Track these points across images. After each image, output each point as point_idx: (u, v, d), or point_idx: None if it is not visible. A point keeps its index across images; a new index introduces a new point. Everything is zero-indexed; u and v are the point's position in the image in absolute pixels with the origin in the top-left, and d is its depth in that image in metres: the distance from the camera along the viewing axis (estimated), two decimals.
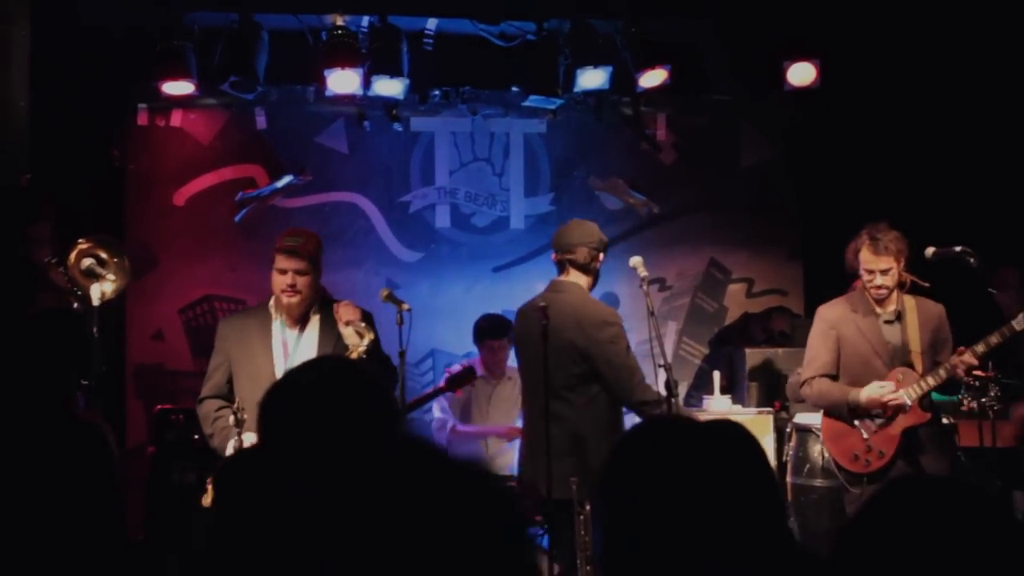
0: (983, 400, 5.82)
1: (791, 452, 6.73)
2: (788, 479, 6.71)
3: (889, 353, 5.91)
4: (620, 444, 2.15)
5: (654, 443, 2.12)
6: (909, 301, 5.94)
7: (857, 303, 6.01)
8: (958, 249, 5.75)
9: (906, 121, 8.26)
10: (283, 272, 5.53)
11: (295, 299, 5.53)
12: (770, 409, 7.28)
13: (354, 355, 5.28)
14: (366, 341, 5.33)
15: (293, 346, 5.56)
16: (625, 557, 2.04)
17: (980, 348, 5.69)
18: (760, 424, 7.05)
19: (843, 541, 1.94)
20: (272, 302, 5.65)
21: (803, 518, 6.55)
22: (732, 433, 2.18)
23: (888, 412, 5.82)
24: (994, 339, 5.68)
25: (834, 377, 6.01)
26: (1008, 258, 7.20)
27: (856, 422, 5.91)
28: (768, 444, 7.03)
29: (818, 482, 6.52)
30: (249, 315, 5.80)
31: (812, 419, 6.68)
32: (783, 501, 2.18)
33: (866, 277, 5.89)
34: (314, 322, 5.61)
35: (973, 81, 7.94)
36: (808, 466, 6.56)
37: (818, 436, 6.52)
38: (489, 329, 7.70)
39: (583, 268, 5.98)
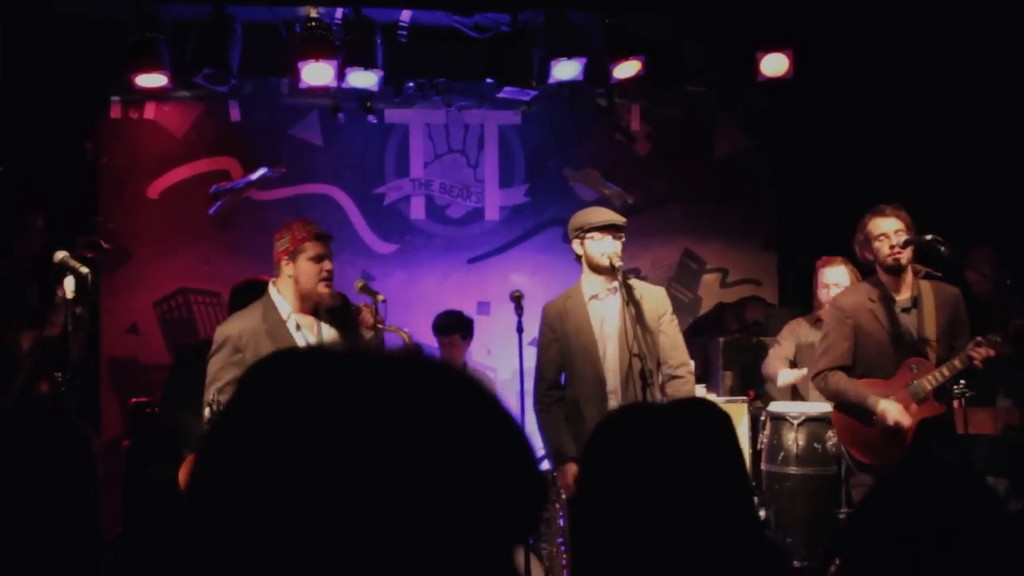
0: (955, 387, 5.82)
1: (765, 440, 6.77)
2: (763, 467, 6.75)
3: (905, 343, 5.83)
4: (595, 430, 2.18)
5: (624, 427, 2.15)
6: (925, 286, 5.87)
7: (874, 291, 5.90)
8: (928, 237, 5.74)
9: (880, 110, 8.31)
10: (320, 259, 5.24)
11: (331, 288, 5.30)
12: (744, 397, 7.31)
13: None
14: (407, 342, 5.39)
15: None
16: (592, 537, 2.08)
17: (998, 337, 5.63)
18: (734, 412, 7.08)
19: (849, 530, 1.97)
20: (281, 308, 5.28)
21: (777, 506, 6.59)
22: (701, 412, 2.22)
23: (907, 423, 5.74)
24: (1013, 328, 5.64)
25: (848, 368, 5.89)
26: (981, 239, 7.27)
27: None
28: (743, 432, 7.07)
29: (792, 470, 6.56)
30: (256, 319, 5.28)
31: (786, 407, 6.72)
32: (749, 481, 2.22)
33: (881, 243, 5.76)
34: (325, 322, 5.37)
35: (946, 69, 7.98)
36: (782, 454, 6.60)
37: (792, 424, 6.56)
38: (438, 324, 7.64)
39: (577, 260, 6.03)
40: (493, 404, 1.04)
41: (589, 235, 5.89)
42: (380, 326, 5.46)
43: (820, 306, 7.03)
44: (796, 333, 7.21)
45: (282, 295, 5.31)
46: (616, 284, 5.88)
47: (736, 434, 2.20)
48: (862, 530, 1.93)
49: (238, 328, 5.23)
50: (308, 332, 5.29)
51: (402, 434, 0.96)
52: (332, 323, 5.38)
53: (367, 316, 5.43)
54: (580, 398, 5.86)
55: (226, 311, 6.89)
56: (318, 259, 5.25)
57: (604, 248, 5.86)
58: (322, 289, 5.27)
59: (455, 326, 7.61)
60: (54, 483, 2.06)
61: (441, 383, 1.03)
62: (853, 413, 5.87)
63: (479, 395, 1.04)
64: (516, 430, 1.03)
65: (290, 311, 5.29)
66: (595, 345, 5.92)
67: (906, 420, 5.71)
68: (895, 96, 8.22)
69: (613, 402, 5.86)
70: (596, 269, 5.93)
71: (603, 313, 5.95)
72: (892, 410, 5.71)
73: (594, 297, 5.95)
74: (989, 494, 1.92)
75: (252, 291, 6.84)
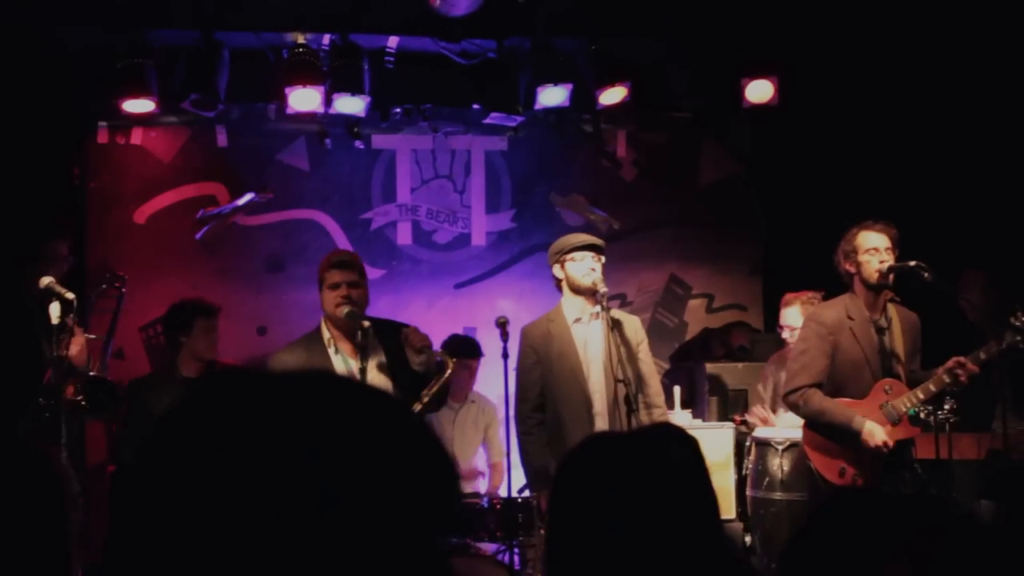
0: (939, 413, 5.82)
1: (750, 466, 6.78)
2: (748, 493, 6.76)
3: (879, 362, 5.82)
4: (562, 461, 2.21)
5: (589, 457, 2.17)
6: (891, 309, 5.90)
7: (852, 308, 5.88)
8: (912, 264, 5.76)
9: (865, 136, 8.35)
10: (336, 286, 5.46)
11: (349, 307, 5.41)
12: (730, 423, 7.32)
13: (436, 387, 5.25)
14: (450, 371, 5.28)
15: (359, 375, 5.36)
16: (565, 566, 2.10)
17: (983, 355, 5.62)
18: (720, 438, 7.09)
19: (786, 557, 1.98)
20: (325, 332, 5.54)
21: (762, 531, 6.60)
22: (669, 437, 2.24)
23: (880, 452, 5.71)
24: (983, 354, 5.63)
25: (821, 386, 5.84)
26: (970, 263, 7.31)
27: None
28: (728, 458, 7.07)
29: (777, 495, 6.57)
30: (302, 347, 5.59)
31: (771, 433, 6.73)
32: (716, 502, 2.24)
33: (870, 257, 5.78)
34: (376, 349, 5.45)
35: (931, 94, 8.04)
36: (767, 479, 6.61)
37: (777, 450, 6.57)
38: (463, 348, 7.68)
39: (557, 287, 6.12)
40: (396, 410, 1.07)
41: (569, 256, 6.00)
42: (428, 350, 5.37)
43: (787, 346, 7.05)
44: (774, 377, 7.22)
45: (324, 325, 5.59)
46: (598, 309, 5.96)
47: (703, 457, 2.23)
48: (795, 558, 1.94)
49: (282, 361, 5.59)
50: (348, 356, 5.49)
51: (308, 446, 0.99)
52: (378, 344, 5.46)
53: (414, 338, 5.38)
54: (564, 420, 5.90)
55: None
56: (334, 286, 5.48)
57: (585, 268, 5.96)
58: (337, 312, 5.44)
59: (477, 349, 7.84)
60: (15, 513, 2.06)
61: (344, 394, 1.06)
62: (830, 433, 5.82)
63: (381, 403, 1.07)
64: (422, 432, 1.07)
65: (330, 337, 5.53)
66: (580, 367, 5.98)
67: (890, 442, 5.69)
68: (881, 122, 8.26)
69: (600, 423, 5.90)
70: (577, 291, 6.02)
71: (586, 336, 6.02)
72: (878, 433, 5.68)
73: (577, 321, 6.03)
74: (942, 518, 1.92)
75: (182, 311, 6.84)
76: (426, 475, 1.05)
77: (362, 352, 5.38)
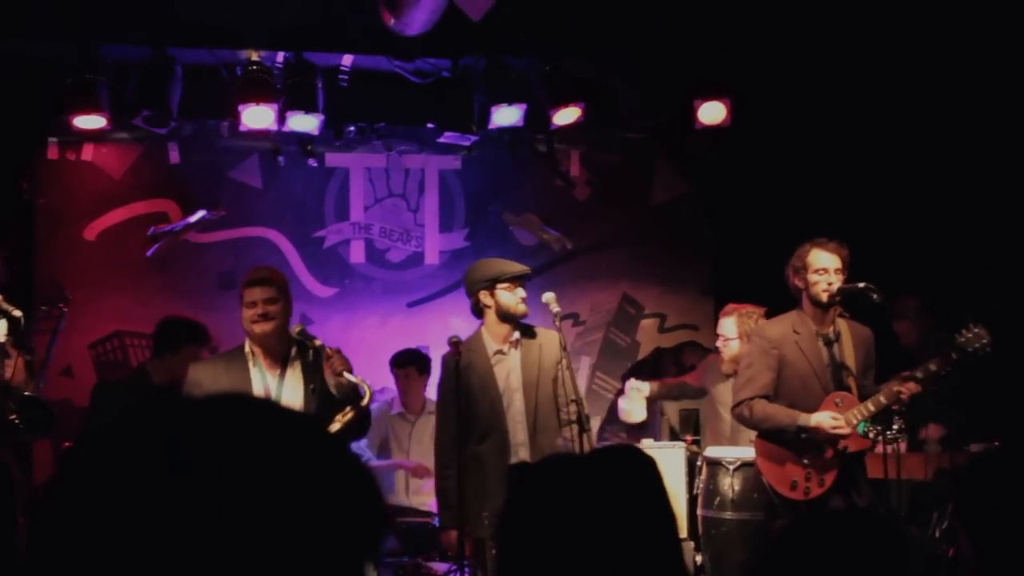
0: (887, 433, 5.86)
1: (701, 485, 6.79)
2: (699, 512, 6.77)
3: (829, 375, 5.83)
4: (515, 483, 2.18)
5: (543, 480, 2.15)
6: (842, 323, 5.91)
7: (799, 323, 5.89)
8: (861, 285, 5.80)
9: (815, 159, 8.42)
10: (253, 304, 5.36)
11: (268, 327, 5.32)
12: (682, 443, 7.34)
13: (351, 414, 5.11)
14: (367, 398, 5.15)
15: (276, 391, 5.30)
16: None
17: (920, 375, 5.65)
18: (671, 457, 7.10)
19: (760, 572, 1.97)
20: (247, 347, 5.44)
21: (713, 550, 6.61)
22: (624, 459, 2.22)
23: (839, 445, 5.71)
24: (933, 366, 5.68)
25: (768, 399, 5.84)
26: (910, 288, 7.39)
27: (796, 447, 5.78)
28: (680, 477, 7.08)
29: (728, 515, 6.58)
30: (222, 360, 5.56)
31: (723, 452, 6.75)
32: (676, 525, 2.20)
33: (818, 278, 5.79)
34: (295, 366, 5.38)
35: (882, 119, 8.12)
36: (718, 499, 6.62)
37: (728, 469, 6.59)
38: (395, 358, 7.82)
39: (477, 313, 6.15)
40: (314, 432, 1.07)
41: (505, 285, 6.00)
42: (344, 375, 5.22)
43: (719, 354, 7.14)
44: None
45: (248, 340, 5.48)
46: (517, 336, 6.07)
47: (662, 478, 2.20)
48: None
49: (202, 367, 5.57)
50: (267, 371, 5.38)
51: (223, 471, 0.99)
52: (302, 366, 5.38)
53: (336, 363, 5.25)
54: (482, 455, 5.90)
55: None
56: (251, 304, 5.39)
57: (518, 297, 6.04)
58: (253, 329, 5.37)
59: (411, 360, 7.87)
60: None
61: (262, 418, 1.06)
62: (781, 440, 5.82)
63: (301, 426, 1.07)
64: (342, 455, 1.07)
65: (250, 352, 5.42)
66: (500, 399, 6.00)
67: (845, 427, 5.67)
68: (832, 144, 8.34)
69: (523, 454, 5.90)
70: (507, 319, 6.03)
71: (508, 367, 6.04)
72: (826, 419, 5.67)
73: (498, 352, 6.03)
74: (899, 538, 1.93)
75: (177, 331, 6.78)
76: (346, 497, 1.05)
77: (309, 371, 5.33)
